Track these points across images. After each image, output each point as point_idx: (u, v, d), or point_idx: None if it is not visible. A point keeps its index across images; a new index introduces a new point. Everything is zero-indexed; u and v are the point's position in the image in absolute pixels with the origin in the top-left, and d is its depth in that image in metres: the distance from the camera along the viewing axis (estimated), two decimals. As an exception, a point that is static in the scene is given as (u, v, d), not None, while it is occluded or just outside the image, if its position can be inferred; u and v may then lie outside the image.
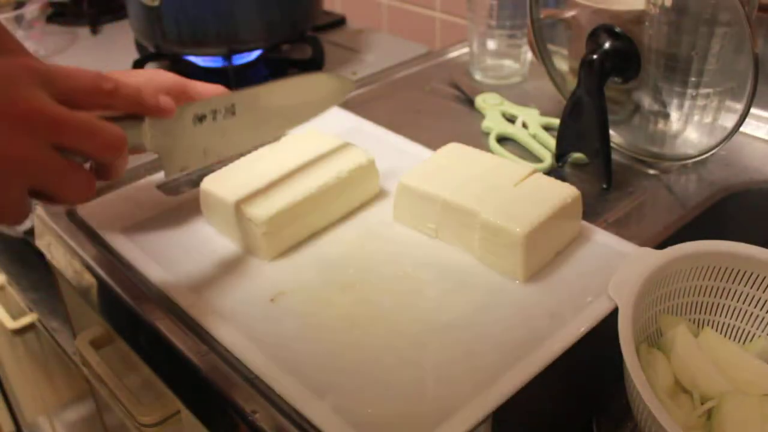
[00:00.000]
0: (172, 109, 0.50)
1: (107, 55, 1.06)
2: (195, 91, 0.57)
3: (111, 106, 0.47)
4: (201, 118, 0.53)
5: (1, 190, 0.40)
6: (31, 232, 0.69)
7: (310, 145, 0.64)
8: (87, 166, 0.46)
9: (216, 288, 0.55)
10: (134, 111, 0.48)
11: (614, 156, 0.69)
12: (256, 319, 0.52)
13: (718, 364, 0.51)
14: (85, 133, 0.43)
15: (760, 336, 0.53)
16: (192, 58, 0.94)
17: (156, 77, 0.57)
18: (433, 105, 0.85)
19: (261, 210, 0.56)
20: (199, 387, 0.50)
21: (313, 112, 0.61)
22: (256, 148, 0.61)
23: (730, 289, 0.53)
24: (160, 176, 0.69)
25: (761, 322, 0.53)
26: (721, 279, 0.53)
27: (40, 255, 0.67)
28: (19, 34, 1.06)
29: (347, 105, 0.83)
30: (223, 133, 0.55)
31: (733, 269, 0.52)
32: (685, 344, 0.51)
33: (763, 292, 0.52)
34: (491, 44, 0.88)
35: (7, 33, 0.58)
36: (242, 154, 0.62)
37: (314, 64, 0.95)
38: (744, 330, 0.54)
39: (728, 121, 0.65)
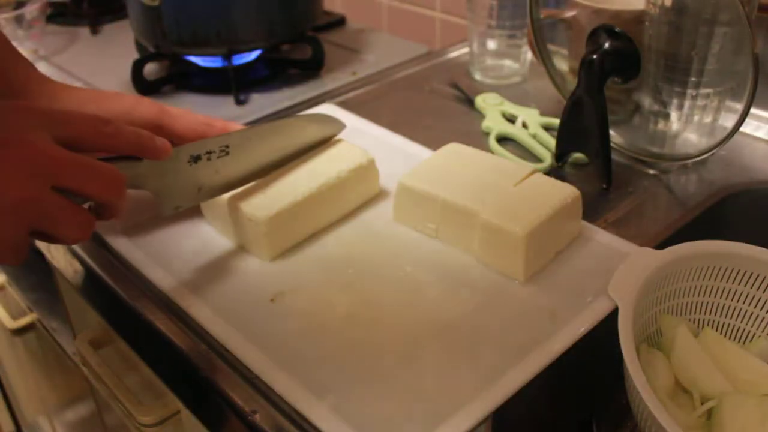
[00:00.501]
0: (169, 150, 0.51)
1: (107, 55, 1.06)
2: (171, 127, 0.59)
3: (111, 148, 0.48)
4: (196, 159, 0.55)
5: (3, 232, 0.41)
6: (31, 232, 0.69)
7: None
8: (86, 206, 0.47)
9: (216, 288, 0.55)
10: (133, 153, 0.50)
11: (614, 156, 0.69)
12: (256, 319, 0.52)
13: (718, 364, 0.51)
14: (85, 175, 0.44)
15: (760, 336, 0.53)
16: (192, 58, 0.94)
17: (136, 109, 0.58)
18: (433, 105, 0.85)
19: (261, 210, 0.56)
20: (199, 387, 0.50)
21: (304, 151, 0.63)
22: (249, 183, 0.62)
23: (730, 289, 0.53)
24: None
25: (761, 322, 0.53)
26: (721, 279, 0.53)
27: (40, 255, 0.67)
28: (19, 34, 1.06)
29: (347, 105, 0.83)
30: (216, 172, 0.57)
31: (733, 269, 0.52)
32: (685, 344, 0.51)
33: (763, 292, 0.52)
34: (491, 44, 0.88)
35: (17, 68, 0.58)
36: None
37: (314, 64, 0.95)
38: (744, 330, 0.54)
39: (728, 121, 0.65)
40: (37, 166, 0.42)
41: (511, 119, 0.79)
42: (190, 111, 0.61)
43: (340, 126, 0.66)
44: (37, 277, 0.92)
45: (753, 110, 0.74)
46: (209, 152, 0.55)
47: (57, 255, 0.65)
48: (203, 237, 0.61)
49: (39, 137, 0.42)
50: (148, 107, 0.59)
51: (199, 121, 0.60)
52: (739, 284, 0.53)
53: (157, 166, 0.52)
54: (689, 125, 0.67)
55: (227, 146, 0.56)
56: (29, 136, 0.42)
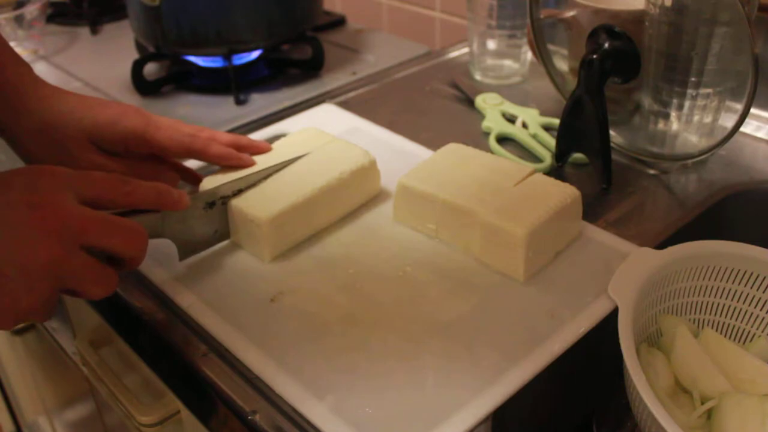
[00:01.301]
0: (186, 202, 0.53)
1: (107, 55, 1.06)
2: (155, 139, 0.59)
3: (131, 204, 0.50)
4: (211, 204, 0.57)
5: (34, 293, 0.42)
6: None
7: (311, 144, 0.64)
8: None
9: (216, 288, 0.55)
10: (152, 207, 0.51)
11: (614, 156, 0.69)
12: (256, 319, 0.52)
13: (718, 364, 0.51)
14: (111, 232, 0.46)
15: (760, 336, 0.53)
16: (192, 58, 0.94)
17: (123, 118, 0.59)
18: (433, 105, 0.85)
19: (262, 210, 0.56)
20: (199, 387, 0.50)
21: None
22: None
23: (730, 289, 0.53)
24: (160, 176, 0.69)
25: (761, 322, 0.53)
26: (721, 279, 0.53)
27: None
28: (19, 34, 1.06)
29: (347, 105, 0.83)
30: (230, 215, 0.58)
31: (733, 269, 0.52)
32: (685, 344, 0.51)
33: (763, 292, 0.52)
34: (491, 44, 0.88)
35: (14, 68, 0.59)
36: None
37: (314, 64, 0.95)
38: (744, 330, 0.54)
39: (728, 121, 0.65)
40: (66, 226, 0.43)
41: (511, 119, 0.79)
42: (178, 121, 0.61)
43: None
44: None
45: (753, 110, 0.74)
46: (224, 197, 0.57)
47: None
48: (203, 237, 0.61)
49: (66, 198, 0.44)
50: (134, 117, 0.59)
51: (185, 133, 0.60)
52: (739, 284, 0.53)
53: (175, 215, 0.54)
54: (689, 125, 0.67)
55: (240, 190, 0.58)
56: (57, 198, 0.44)
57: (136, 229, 0.47)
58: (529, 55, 0.89)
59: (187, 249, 0.57)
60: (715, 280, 0.53)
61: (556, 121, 0.72)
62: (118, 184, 0.48)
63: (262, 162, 0.62)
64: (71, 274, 0.44)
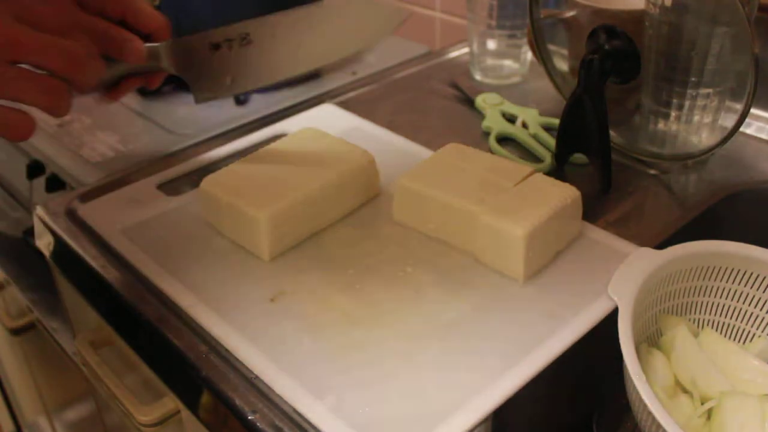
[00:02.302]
0: (141, 52, 0.49)
1: (107, 55, 1.06)
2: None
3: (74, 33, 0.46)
4: (216, 46, 0.54)
5: None
6: (31, 232, 0.69)
7: (311, 144, 0.64)
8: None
9: (216, 288, 0.55)
10: (98, 40, 0.47)
11: (614, 156, 0.69)
12: (256, 319, 0.52)
13: (718, 364, 0.51)
14: (44, 50, 0.42)
15: (760, 336, 0.53)
16: (192, 58, 0.94)
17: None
18: (433, 105, 0.85)
19: (261, 210, 0.56)
20: (199, 387, 0.50)
21: (352, 46, 0.58)
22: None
23: (730, 289, 0.53)
24: (160, 176, 0.69)
25: (761, 322, 0.53)
26: (721, 279, 0.53)
27: (40, 255, 0.67)
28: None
29: (347, 105, 0.83)
30: (244, 63, 0.54)
31: (733, 269, 0.52)
32: (685, 344, 0.51)
33: (763, 292, 0.52)
34: (491, 44, 0.88)
35: None
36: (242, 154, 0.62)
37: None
38: (744, 330, 0.54)
39: (728, 121, 0.65)
40: None
41: (511, 119, 0.79)
42: None
43: (400, 15, 0.60)
44: (37, 277, 0.92)
45: (753, 110, 0.74)
46: (228, 40, 0.54)
47: (57, 255, 0.65)
48: (203, 236, 0.61)
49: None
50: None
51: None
52: (739, 284, 0.53)
53: (175, 49, 0.51)
54: (689, 125, 0.67)
55: (247, 34, 0.55)
56: None
57: (73, 49, 0.44)
58: (529, 55, 0.89)
59: (200, 93, 0.53)
60: (715, 280, 0.53)
61: (556, 121, 0.72)
62: (64, 5, 0.45)
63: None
64: (4, 88, 0.41)
